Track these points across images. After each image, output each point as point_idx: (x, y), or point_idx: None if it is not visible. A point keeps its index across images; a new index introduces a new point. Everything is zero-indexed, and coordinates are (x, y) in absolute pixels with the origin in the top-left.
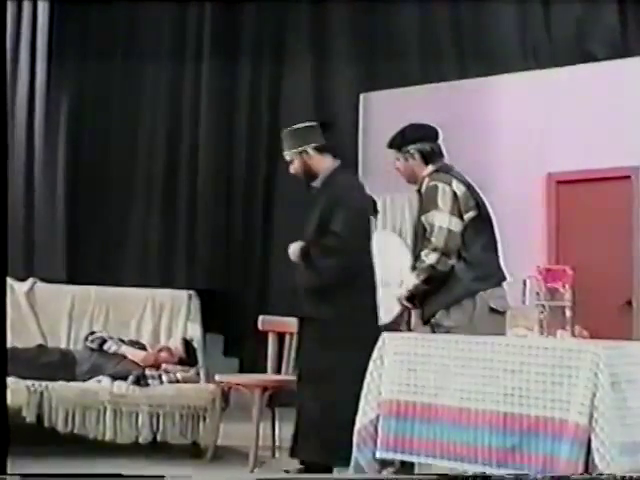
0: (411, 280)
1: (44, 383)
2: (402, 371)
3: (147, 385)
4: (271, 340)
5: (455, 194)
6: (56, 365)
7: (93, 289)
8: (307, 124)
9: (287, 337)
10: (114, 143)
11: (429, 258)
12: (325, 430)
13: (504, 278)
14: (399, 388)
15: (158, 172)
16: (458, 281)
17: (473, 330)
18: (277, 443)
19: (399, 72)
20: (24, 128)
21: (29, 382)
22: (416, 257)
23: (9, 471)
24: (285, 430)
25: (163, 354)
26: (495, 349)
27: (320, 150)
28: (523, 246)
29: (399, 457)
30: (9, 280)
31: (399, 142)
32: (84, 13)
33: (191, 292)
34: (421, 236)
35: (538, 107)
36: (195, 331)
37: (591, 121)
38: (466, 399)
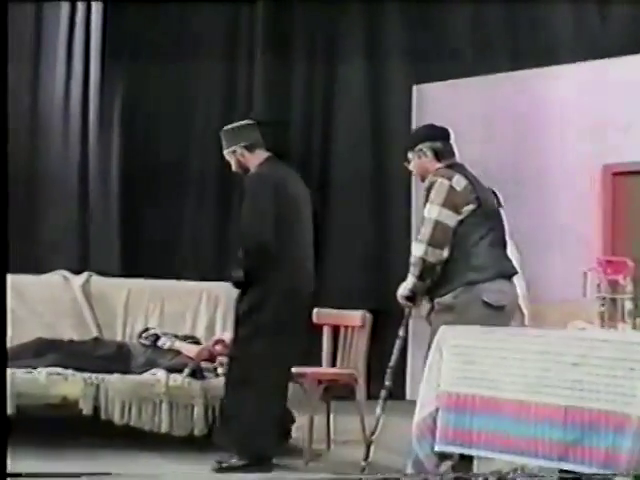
0: (409, 277)
1: (100, 375)
2: (461, 363)
3: (203, 378)
4: (326, 333)
5: (452, 187)
6: (112, 358)
7: (148, 282)
8: (238, 123)
9: (342, 330)
10: (168, 137)
11: (417, 250)
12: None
13: (507, 272)
14: (458, 381)
15: (212, 166)
16: (454, 272)
17: (461, 317)
18: (332, 436)
19: (452, 65)
20: (78, 124)
21: (86, 374)
22: None
23: (9, 470)
24: (340, 423)
25: (218, 347)
26: (555, 341)
27: (249, 148)
28: (579, 238)
29: (458, 450)
30: (65, 273)
31: (414, 141)
32: (137, 12)
33: None
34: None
35: (593, 98)
36: None
37: None
38: (526, 392)
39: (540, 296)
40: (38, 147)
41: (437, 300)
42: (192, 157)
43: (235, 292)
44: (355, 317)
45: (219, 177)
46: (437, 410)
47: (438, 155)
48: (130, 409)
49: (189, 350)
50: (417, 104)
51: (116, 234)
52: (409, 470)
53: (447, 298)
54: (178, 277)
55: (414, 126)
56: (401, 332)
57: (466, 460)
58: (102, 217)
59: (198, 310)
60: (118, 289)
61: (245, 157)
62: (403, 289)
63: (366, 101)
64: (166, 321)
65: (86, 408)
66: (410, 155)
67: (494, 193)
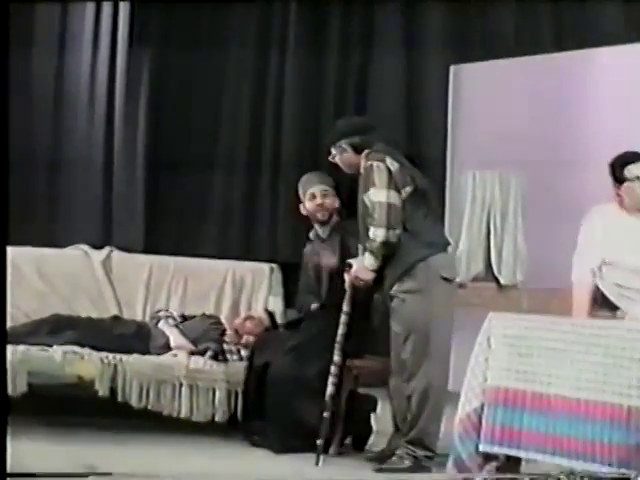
0: (368, 261)
1: (118, 356)
2: (511, 355)
3: (226, 361)
4: None
5: (389, 170)
6: (131, 337)
7: (172, 260)
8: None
9: None
10: (196, 119)
11: (378, 235)
12: None
13: (449, 243)
14: (508, 374)
15: (241, 143)
16: (406, 250)
17: (428, 298)
18: None
19: (493, 45)
20: (104, 99)
21: (103, 354)
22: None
23: (9, 470)
24: None
25: (248, 324)
26: (619, 335)
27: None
28: None
29: (505, 451)
30: (85, 247)
31: (331, 138)
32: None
33: (273, 265)
34: (364, 216)
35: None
36: (277, 305)
37: None
38: (584, 389)
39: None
40: (63, 126)
41: (397, 288)
42: (221, 133)
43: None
44: None
45: (248, 153)
46: (483, 406)
47: (357, 149)
48: (148, 392)
49: (175, 340)
50: (454, 85)
51: (140, 209)
52: (449, 469)
53: (408, 283)
54: (203, 255)
55: (450, 108)
56: (345, 307)
57: (513, 461)
58: (126, 191)
59: (223, 290)
60: (140, 266)
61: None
62: (367, 272)
63: (402, 84)
64: (189, 300)
65: (102, 389)
66: (333, 151)
67: None
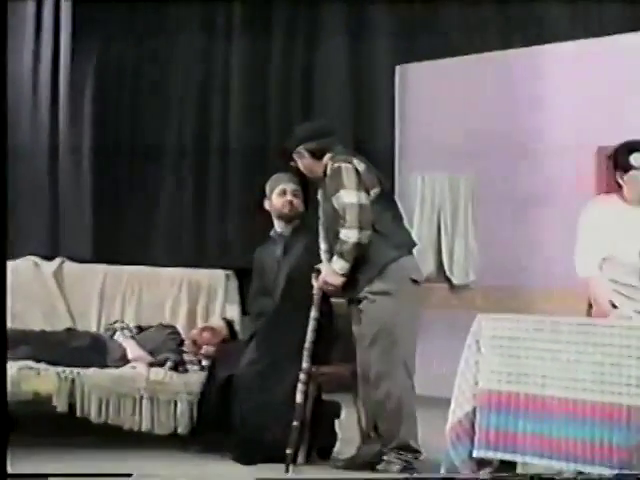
0: (338, 265)
1: (76, 370)
2: (502, 357)
3: (186, 371)
4: None
5: (357, 171)
6: (87, 350)
7: (126, 269)
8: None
9: None
10: (142, 118)
11: (351, 236)
12: None
13: (415, 245)
14: (499, 377)
15: (188, 146)
16: (377, 252)
17: (397, 300)
18: None
19: (439, 43)
20: (48, 100)
21: (59, 368)
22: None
23: (10, 470)
24: None
25: (206, 334)
26: (617, 333)
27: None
28: (575, 221)
29: (500, 456)
30: (35, 259)
31: (290, 144)
32: None
33: (228, 272)
34: (332, 219)
35: (586, 78)
36: (234, 313)
37: None
38: (582, 390)
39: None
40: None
41: (367, 289)
42: (168, 134)
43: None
44: None
45: (196, 157)
46: (475, 410)
47: (316, 154)
48: (108, 406)
49: (132, 352)
50: (400, 85)
51: (88, 217)
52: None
53: (378, 284)
54: (155, 264)
55: (397, 107)
56: (314, 313)
57: (507, 466)
58: (73, 199)
59: (178, 299)
60: (93, 276)
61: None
62: (336, 277)
63: (347, 83)
64: (144, 310)
65: (60, 405)
66: (294, 157)
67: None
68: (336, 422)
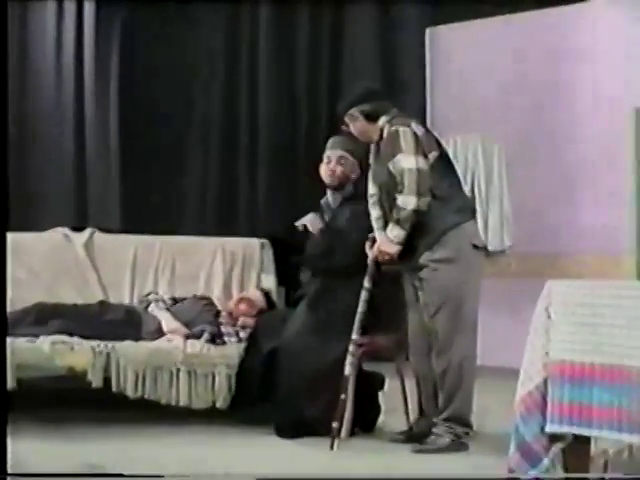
0: (394, 233)
1: (110, 343)
2: (575, 326)
3: (223, 343)
4: None
5: (416, 134)
6: (121, 323)
7: (158, 239)
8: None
9: None
10: (169, 88)
11: (409, 203)
12: None
13: (476, 210)
14: (572, 346)
15: (216, 118)
16: (436, 218)
17: (461, 266)
18: None
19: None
20: (72, 75)
21: (94, 342)
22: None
23: (10, 470)
24: None
25: (242, 306)
26: None
27: None
28: (612, 182)
29: (575, 430)
30: (65, 230)
31: (344, 107)
32: None
33: (264, 240)
34: (386, 185)
35: (621, 36)
36: (270, 283)
37: None
38: None
39: (570, 248)
40: (31, 101)
41: (428, 257)
42: (196, 107)
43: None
44: None
45: (223, 126)
46: (546, 382)
47: (370, 117)
48: (144, 380)
49: (168, 324)
50: (430, 49)
51: (116, 187)
52: (512, 454)
53: (440, 252)
54: (184, 233)
55: (428, 73)
56: (367, 283)
57: (581, 441)
58: (101, 170)
59: (213, 269)
60: (124, 247)
61: None
62: (392, 245)
63: (377, 46)
64: (178, 281)
65: (95, 380)
66: (346, 120)
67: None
68: (380, 394)
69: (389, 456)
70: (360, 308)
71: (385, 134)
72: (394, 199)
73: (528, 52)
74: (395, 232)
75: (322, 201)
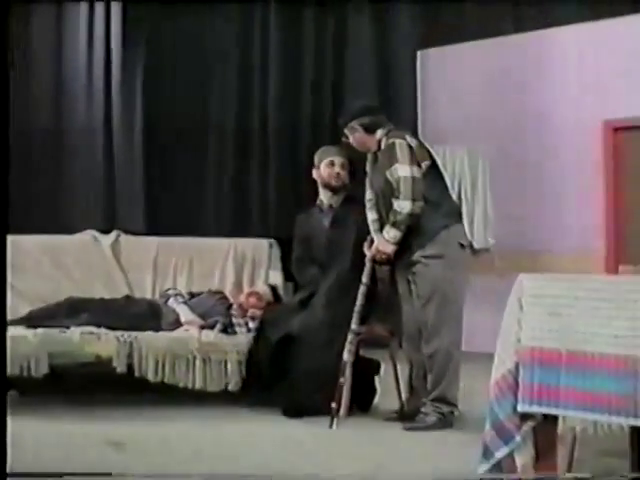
0: (391, 234)
1: (133, 333)
2: (544, 315)
3: (235, 333)
4: None
5: (410, 146)
6: (144, 316)
7: (176, 240)
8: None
9: None
10: (187, 95)
11: (405, 207)
12: None
13: (462, 214)
14: (541, 334)
15: (230, 124)
16: (429, 220)
17: (449, 262)
18: None
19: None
20: (102, 82)
21: (118, 333)
22: (381, 212)
23: (9, 470)
24: None
25: (252, 299)
26: None
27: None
28: (581, 193)
29: (544, 410)
30: (94, 232)
31: (344, 119)
32: None
33: (271, 240)
34: (383, 191)
35: (593, 57)
36: (277, 279)
37: None
38: (623, 346)
39: (549, 246)
40: (62, 107)
41: (420, 254)
42: (212, 113)
43: (262, 249)
44: None
45: (238, 134)
46: (517, 366)
47: (368, 129)
48: (164, 366)
49: (185, 316)
50: (421, 69)
51: (141, 192)
52: (487, 431)
53: (431, 249)
54: (201, 234)
55: (419, 91)
56: (365, 279)
57: (549, 420)
58: (127, 176)
59: (226, 267)
60: (147, 248)
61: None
62: (388, 245)
63: (374, 67)
64: (195, 278)
65: (120, 366)
66: (346, 132)
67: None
68: (376, 378)
69: (383, 432)
70: (358, 301)
71: (383, 145)
72: (390, 204)
73: (511, 72)
74: (392, 233)
75: (317, 202)
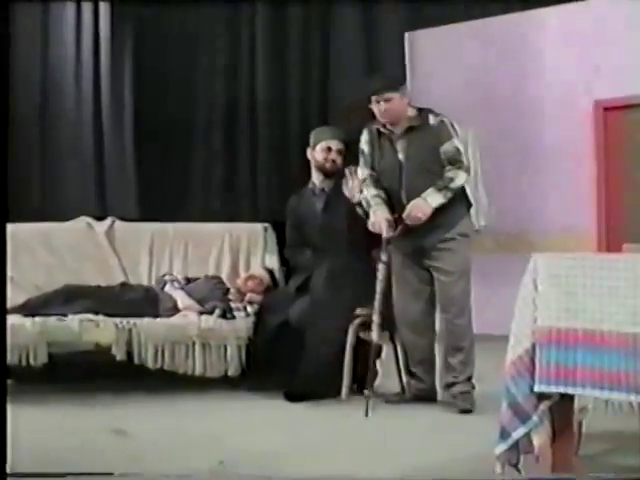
0: (436, 198)
1: (132, 320)
2: (559, 295)
3: (233, 318)
4: None
5: (453, 125)
6: (141, 302)
7: (171, 226)
8: None
9: None
10: (175, 82)
11: (459, 178)
12: None
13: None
14: (557, 314)
15: (219, 110)
16: (461, 199)
17: (470, 242)
18: None
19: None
20: (91, 68)
21: (117, 320)
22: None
23: (9, 470)
24: None
25: (250, 283)
26: None
27: None
28: (571, 173)
29: (561, 390)
30: (88, 219)
31: (399, 81)
32: None
33: (266, 224)
34: (433, 163)
35: (583, 37)
36: (273, 262)
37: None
38: (639, 324)
39: (537, 227)
40: (51, 99)
41: (454, 231)
42: (200, 98)
43: (258, 233)
44: None
45: (227, 119)
46: (534, 347)
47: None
48: (163, 353)
49: (183, 302)
50: (409, 51)
51: (132, 179)
52: (504, 412)
53: (461, 227)
54: (193, 220)
55: (408, 73)
56: (384, 257)
57: (566, 399)
58: (117, 163)
59: (222, 251)
60: (141, 234)
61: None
62: (427, 208)
63: (362, 48)
64: (190, 264)
65: (119, 353)
66: (393, 95)
67: None
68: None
69: (384, 412)
70: (380, 276)
71: (431, 121)
72: (426, 175)
73: (499, 54)
74: (436, 197)
75: (310, 185)
